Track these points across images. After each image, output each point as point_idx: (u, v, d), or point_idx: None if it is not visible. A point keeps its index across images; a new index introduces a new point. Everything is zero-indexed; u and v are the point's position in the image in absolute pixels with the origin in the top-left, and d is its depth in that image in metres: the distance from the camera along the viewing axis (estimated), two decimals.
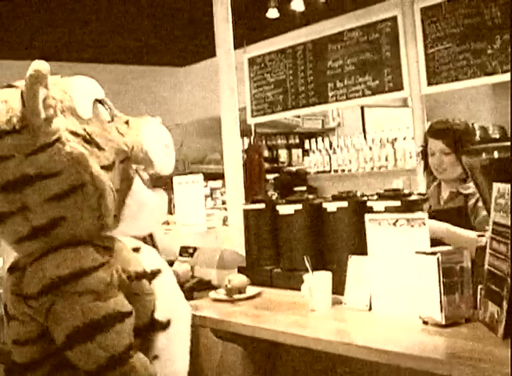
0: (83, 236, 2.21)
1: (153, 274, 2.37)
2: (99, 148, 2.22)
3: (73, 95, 2.25)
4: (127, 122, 2.42)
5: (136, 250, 2.41)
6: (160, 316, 2.34)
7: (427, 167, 3.97)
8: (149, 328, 2.32)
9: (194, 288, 3.31)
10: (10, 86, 2.26)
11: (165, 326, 2.35)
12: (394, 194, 2.90)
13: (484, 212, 3.39)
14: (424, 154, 3.95)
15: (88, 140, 2.20)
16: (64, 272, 2.11)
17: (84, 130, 2.21)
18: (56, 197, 2.13)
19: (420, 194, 3.00)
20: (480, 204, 3.52)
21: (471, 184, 3.63)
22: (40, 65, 2.08)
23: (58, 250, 2.15)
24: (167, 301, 2.41)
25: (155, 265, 2.42)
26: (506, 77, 4.69)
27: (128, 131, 2.37)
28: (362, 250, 2.79)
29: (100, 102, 2.35)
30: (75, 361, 2.13)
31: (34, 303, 2.13)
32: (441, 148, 3.75)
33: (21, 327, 2.22)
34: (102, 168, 2.20)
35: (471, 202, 3.60)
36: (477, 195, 3.51)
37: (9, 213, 2.16)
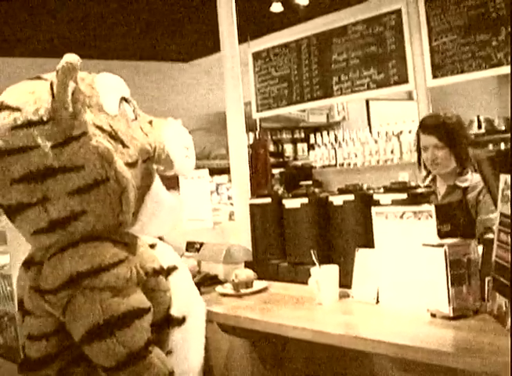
0: (101, 231, 2.21)
1: (170, 270, 2.37)
2: (124, 145, 2.22)
3: (101, 92, 2.26)
4: (150, 122, 2.43)
5: (152, 246, 2.40)
6: (175, 312, 2.34)
7: (420, 162, 3.99)
8: (165, 324, 2.33)
9: (201, 283, 3.31)
10: (39, 78, 2.27)
11: (181, 322, 2.36)
12: (401, 187, 2.90)
13: (486, 210, 3.40)
14: (418, 150, 3.97)
15: (114, 136, 2.20)
16: (83, 268, 2.10)
17: (110, 126, 2.21)
18: (79, 190, 2.13)
19: (426, 187, 2.99)
20: (482, 197, 3.52)
21: (468, 176, 3.66)
22: (72, 58, 2.09)
23: (77, 245, 2.15)
24: (183, 297, 2.41)
25: (171, 262, 2.42)
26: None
27: (151, 131, 2.38)
28: (369, 243, 2.78)
29: (125, 100, 2.35)
30: (93, 357, 2.13)
31: (52, 298, 2.13)
32: (434, 143, 3.77)
33: (37, 321, 2.22)
34: (126, 165, 2.20)
35: (471, 195, 3.61)
36: (478, 188, 3.53)
37: (28, 204, 2.16)
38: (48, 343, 2.23)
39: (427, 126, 3.88)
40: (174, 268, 2.41)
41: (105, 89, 2.28)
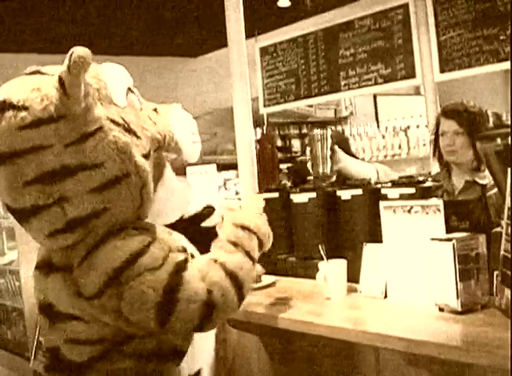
0: (120, 225, 2.16)
1: (191, 256, 2.33)
2: (137, 137, 2.17)
3: (108, 83, 2.20)
4: (155, 110, 2.39)
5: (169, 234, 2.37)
6: None
7: (435, 151, 3.90)
8: None
9: None
10: (40, 73, 2.21)
11: None
12: (409, 181, 2.89)
13: None
14: (435, 137, 3.88)
15: (127, 129, 2.14)
16: (118, 263, 2.06)
17: (122, 119, 2.15)
18: (100, 188, 2.07)
19: (434, 181, 2.99)
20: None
21: (487, 173, 3.56)
22: (83, 51, 2.00)
23: (102, 244, 2.10)
24: None
25: (189, 249, 2.38)
26: None
27: (158, 120, 2.33)
28: (377, 237, 2.78)
29: (130, 90, 2.31)
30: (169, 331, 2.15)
31: (98, 302, 2.08)
32: (454, 128, 3.67)
33: (83, 326, 2.17)
34: (142, 157, 2.16)
35: (491, 192, 3.50)
36: None
37: (44, 206, 2.08)
38: (93, 347, 2.19)
39: (448, 110, 3.78)
40: (192, 255, 2.38)
41: (112, 81, 2.22)
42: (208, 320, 2.12)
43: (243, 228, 2.39)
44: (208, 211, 2.83)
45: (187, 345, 2.28)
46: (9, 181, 2.09)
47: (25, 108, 2.04)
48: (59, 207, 2.08)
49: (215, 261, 2.22)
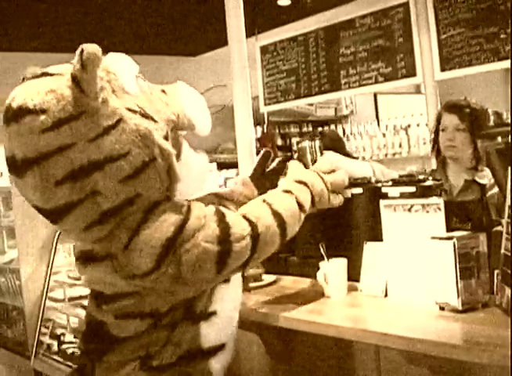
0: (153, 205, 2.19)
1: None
2: (154, 121, 2.19)
3: (118, 74, 2.21)
4: (163, 91, 2.40)
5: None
6: None
7: (434, 147, 3.88)
8: None
9: None
10: (49, 75, 2.20)
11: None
12: (409, 180, 2.89)
13: None
14: (435, 133, 3.85)
15: (144, 115, 2.16)
16: (170, 234, 2.10)
17: (138, 106, 2.17)
18: (129, 176, 2.09)
19: (435, 179, 2.98)
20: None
21: (485, 173, 3.53)
22: (93, 47, 2.02)
23: (143, 225, 2.14)
24: None
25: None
26: None
27: (169, 100, 2.35)
28: (377, 236, 2.78)
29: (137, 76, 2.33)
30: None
31: (155, 274, 2.10)
32: (455, 123, 3.65)
33: (138, 299, 2.19)
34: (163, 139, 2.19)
35: (492, 192, 3.48)
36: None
37: (77, 201, 2.10)
38: (142, 322, 2.22)
39: (450, 105, 3.77)
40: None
41: (120, 70, 2.24)
42: (253, 252, 2.24)
43: (299, 182, 2.55)
44: (283, 164, 2.89)
45: (210, 305, 2.33)
46: (39, 184, 2.08)
47: (43, 111, 2.03)
48: (92, 200, 2.10)
49: (263, 201, 2.39)
